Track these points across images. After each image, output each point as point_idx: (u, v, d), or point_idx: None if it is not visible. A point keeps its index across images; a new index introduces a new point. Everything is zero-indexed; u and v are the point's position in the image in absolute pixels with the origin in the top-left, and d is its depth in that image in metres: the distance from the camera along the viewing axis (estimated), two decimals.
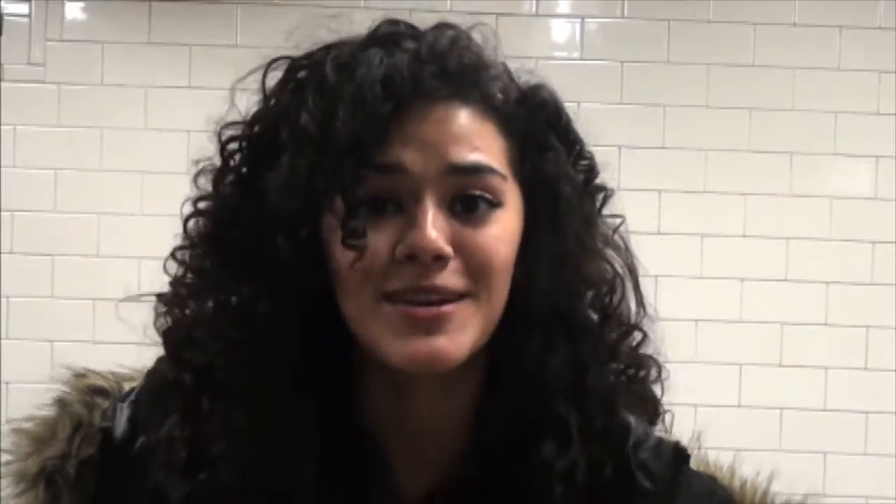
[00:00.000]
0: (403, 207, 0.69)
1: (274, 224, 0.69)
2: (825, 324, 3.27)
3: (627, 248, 0.81)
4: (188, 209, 0.81)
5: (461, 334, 0.68)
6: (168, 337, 0.82)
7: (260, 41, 3.73)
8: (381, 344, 0.69)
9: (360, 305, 0.69)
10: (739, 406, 3.24)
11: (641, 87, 3.28)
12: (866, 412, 3.20)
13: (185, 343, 0.79)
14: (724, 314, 3.26)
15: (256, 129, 0.78)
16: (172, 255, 0.83)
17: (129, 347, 3.64)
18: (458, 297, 0.69)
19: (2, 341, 3.25)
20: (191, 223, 0.80)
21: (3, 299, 3.26)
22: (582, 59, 3.31)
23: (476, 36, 0.80)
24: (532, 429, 0.72)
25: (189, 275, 0.80)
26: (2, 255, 3.23)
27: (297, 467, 0.70)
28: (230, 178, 0.78)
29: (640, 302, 0.81)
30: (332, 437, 0.72)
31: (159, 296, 0.83)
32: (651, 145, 3.30)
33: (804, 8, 3.31)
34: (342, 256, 0.68)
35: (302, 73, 0.76)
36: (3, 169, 3.21)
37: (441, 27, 0.77)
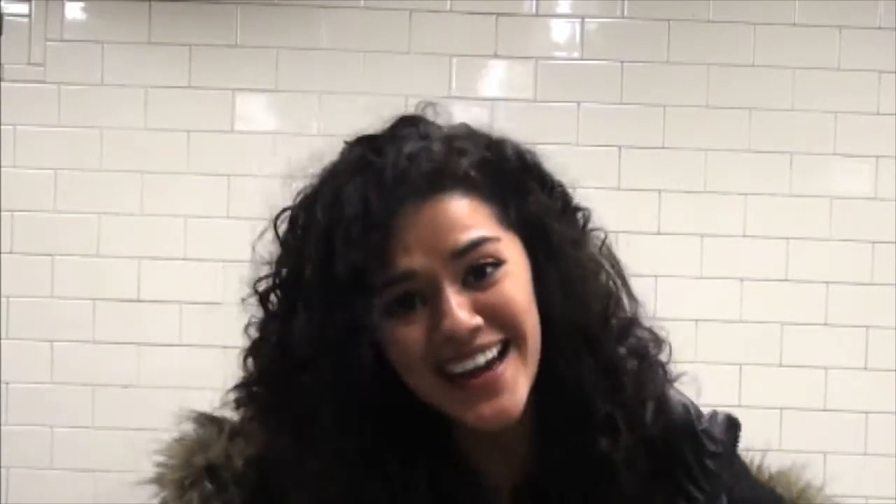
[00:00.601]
0: (427, 301, 0.81)
1: (304, 367, 0.82)
2: (825, 324, 3.27)
3: (612, 255, 0.94)
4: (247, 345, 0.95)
5: (515, 387, 0.81)
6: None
7: (260, 41, 3.75)
8: (453, 412, 0.83)
9: (424, 385, 0.83)
10: (739, 406, 3.24)
11: (641, 87, 3.29)
12: (866, 412, 3.20)
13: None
14: (724, 314, 3.26)
15: (280, 277, 0.90)
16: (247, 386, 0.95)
17: (129, 347, 3.67)
18: (501, 349, 0.82)
19: (2, 341, 3.25)
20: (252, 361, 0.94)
21: (3, 299, 3.26)
22: (582, 59, 3.31)
23: (431, 114, 0.92)
24: (585, 430, 0.84)
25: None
26: (2, 255, 3.23)
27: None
28: (272, 325, 0.90)
29: (631, 295, 0.92)
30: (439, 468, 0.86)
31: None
32: (651, 145, 3.30)
33: (804, 8, 3.31)
34: (393, 352, 0.82)
35: (300, 220, 0.88)
36: (3, 169, 3.21)
37: (404, 128, 0.88)
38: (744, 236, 3.32)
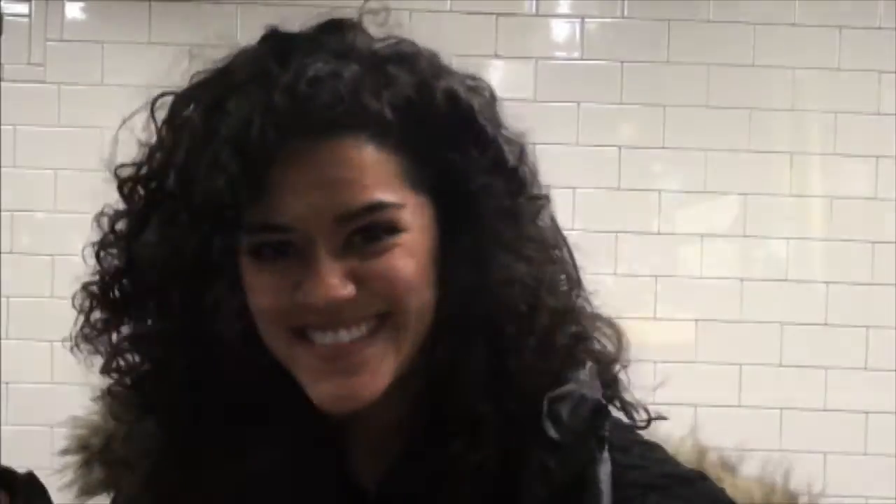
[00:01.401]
0: (299, 253, 0.69)
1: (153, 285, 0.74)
2: (825, 324, 3.27)
3: (558, 235, 0.78)
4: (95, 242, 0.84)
5: (377, 372, 0.69)
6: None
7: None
8: (301, 380, 0.71)
9: (277, 344, 0.71)
10: (739, 406, 3.24)
11: (641, 87, 3.29)
12: (866, 412, 3.20)
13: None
14: (724, 314, 3.26)
15: (142, 172, 0.78)
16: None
17: None
18: (373, 327, 0.70)
19: (2, 341, 3.25)
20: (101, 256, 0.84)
21: (3, 299, 3.26)
22: (582, 59, 3.31)
23: (376, 23, 0.78)
24: (445, 428, 0.71)
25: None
26: (2, 255, 3.23)
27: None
28: (125, 225, 0.79)
29: (576, 284, 0.78)
30: (301, 436, 0.74)
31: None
32: (651, 145, 3.30)
33: (804, 8, 3.31)
34: (251, 298, 0.70)
35: (180, 113, 0.76)
36: (3, 169, 3.21)
37: (325, 35, 0.74)
38: (744, 236, 3.32)
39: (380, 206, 0.69)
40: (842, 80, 3.30)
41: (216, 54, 0.81)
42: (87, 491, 0.87)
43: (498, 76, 3.30)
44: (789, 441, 3.18)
